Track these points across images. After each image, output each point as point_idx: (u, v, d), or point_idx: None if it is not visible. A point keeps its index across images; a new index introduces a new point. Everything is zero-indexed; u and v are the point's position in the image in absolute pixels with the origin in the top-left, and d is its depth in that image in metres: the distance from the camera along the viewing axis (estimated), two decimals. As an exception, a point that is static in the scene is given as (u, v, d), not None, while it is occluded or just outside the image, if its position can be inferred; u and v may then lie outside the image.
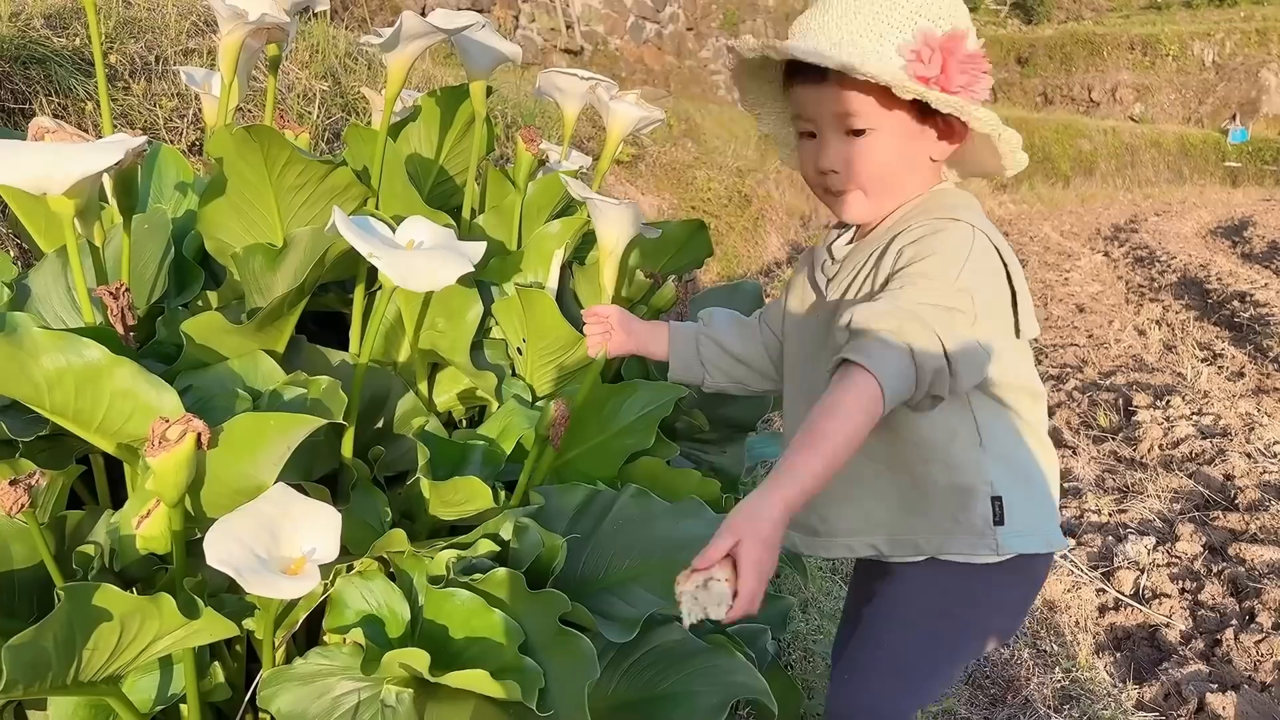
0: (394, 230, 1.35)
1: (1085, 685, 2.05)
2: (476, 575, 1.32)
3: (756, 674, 1.37)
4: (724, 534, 0.96)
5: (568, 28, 10.48)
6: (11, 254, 1.95)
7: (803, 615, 2.05)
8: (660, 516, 1.57)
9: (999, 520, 1.17)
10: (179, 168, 1.76)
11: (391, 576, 1.50)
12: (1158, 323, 6.15)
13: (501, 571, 1.32)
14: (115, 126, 2.36)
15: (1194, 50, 23.57)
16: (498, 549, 1.43)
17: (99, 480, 1.53)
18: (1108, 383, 4.62)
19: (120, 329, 1.31)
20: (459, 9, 9.76)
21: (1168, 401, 4.19)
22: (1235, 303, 6.41)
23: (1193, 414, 4.05)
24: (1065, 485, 3.38)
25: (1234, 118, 21.98)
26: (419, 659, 1.22)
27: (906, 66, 1.15)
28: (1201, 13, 26.02)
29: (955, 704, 1.91)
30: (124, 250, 1.44)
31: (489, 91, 1.82)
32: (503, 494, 1.59)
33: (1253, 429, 3.78)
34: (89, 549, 1.36)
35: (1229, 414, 3.98)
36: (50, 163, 1.13)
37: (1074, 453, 3.71)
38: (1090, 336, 5.67)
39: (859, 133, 1.21)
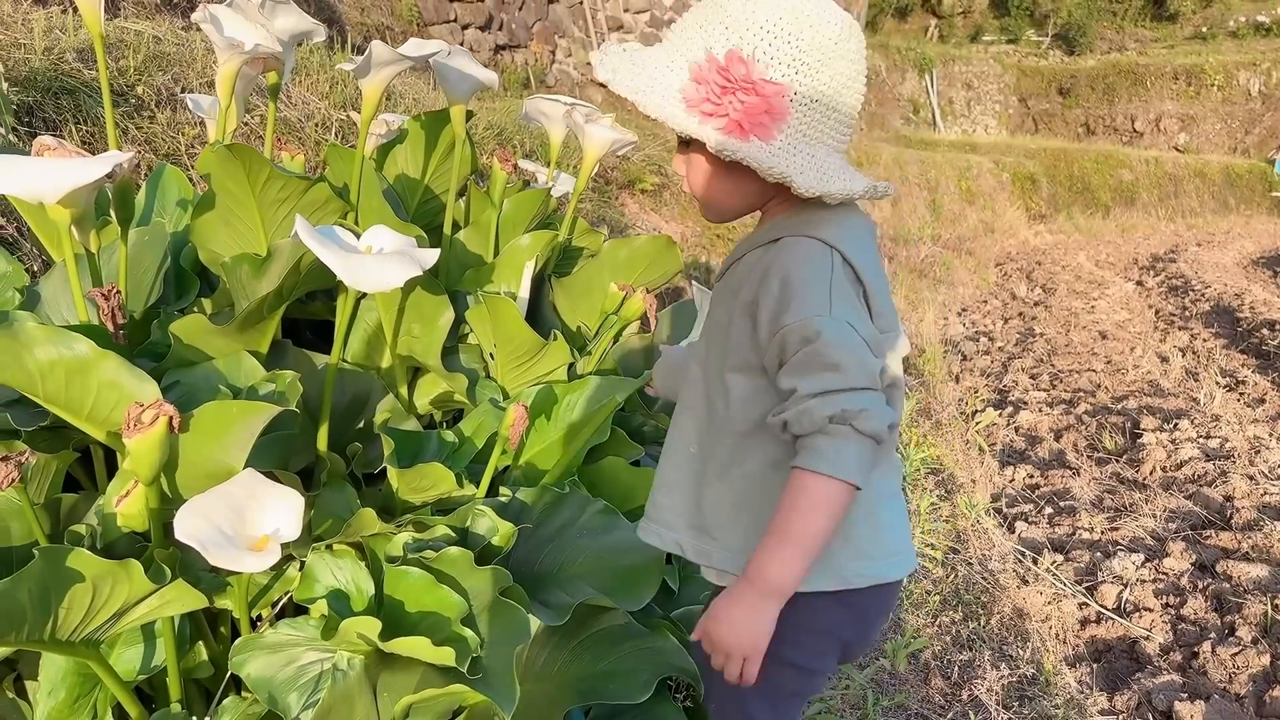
0: (358, 238, 1.47)
1: (1044, 689, 2.09)
2: (428, 552, 1.43)
3: (685, 655, 1.46)
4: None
5: (601, 62, 10.71)
6: (35, 267, 2.11)
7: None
8: (621, 528, 1.66)
9: None
10: (180, 186, 1.91)
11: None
12: (1183, 350, 6.11)
13: (454, 550, 1.43)
14: (134, 150, 2.53)
15: (1239, 80, 23.29)
16: (454, 535, 1.53)
17: (98, 470, 1.66)
18: (1119, 407, 4.62)
19: (110, 327, 1.44)
20: (495, 45, 10.02)
21: (1175, 425, 4.19)
22: (1264, 330, 6.35)
23: (1200, 437, 4.04)
24: (1060, 505, 3.41)
25: (1281, 148, 21.63)
26: (370, 626, 1.32)
27: (684, 93, 1.08)
28: (1247, 42, 25.71)
29: (907, 700, 1.97)
30: (121, 258, 1.58)
31: (469, 116, 1.95)
32: (471, 486, 1.70)
33: (1259, 452, 3.78)
34: (80, 529, 1.49)
35: (1236, 437, 3.98)
36: (44, 175, 1.28)
37: (1076, 474, 3.73)
38: (1109, 362, 5.66)
39: (687, 144, 1.17)
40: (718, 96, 1.06)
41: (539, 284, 2.05)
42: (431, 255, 1.48)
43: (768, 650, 1.15)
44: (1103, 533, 3.16)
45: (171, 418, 1.28)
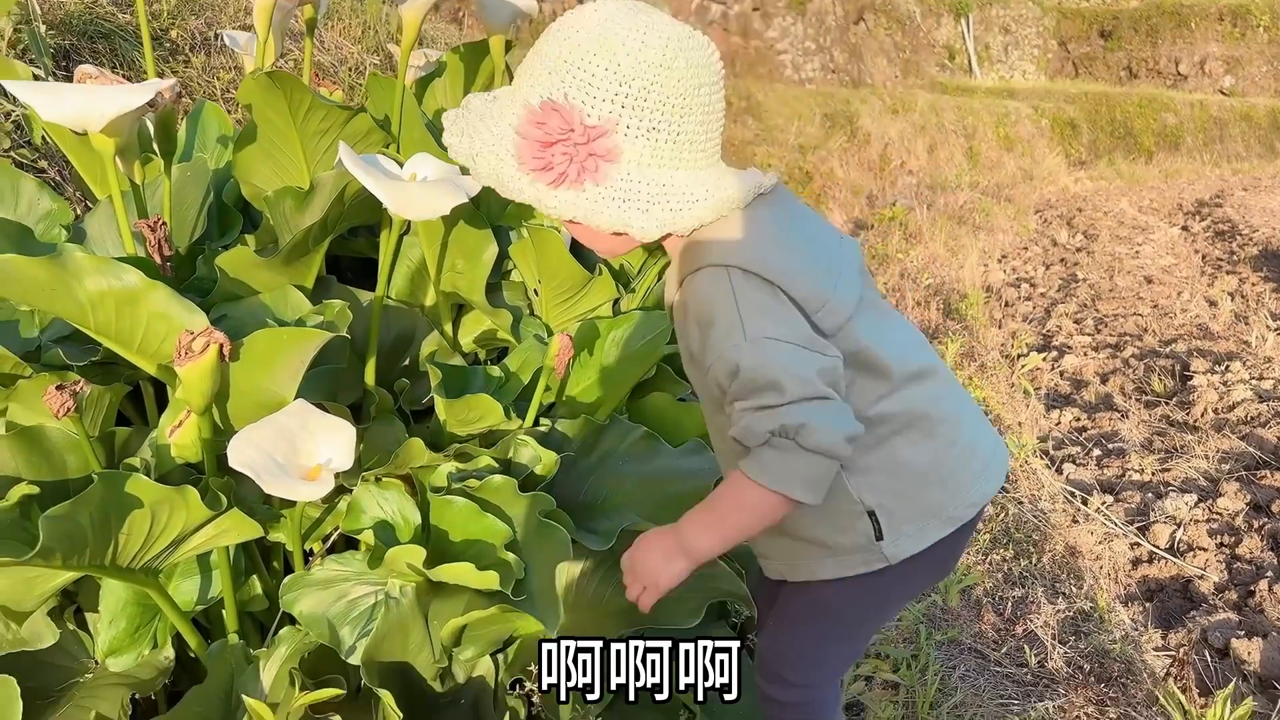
0: (401, 167, 1.45)
1: (1099, 625, 2.06)
2: (472, 481, 1.42)
3: (738, 580, 1.44)
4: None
5: (631, 10, 10.58)
6: (78, 211, 2.11)
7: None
8: (664, 454, 1.65)
9: (879, 535, 1.13)
10: (220, 122, 1.90)
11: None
12: (1232, 294, 5.96)
13: (497, 479, 1.42)
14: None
15: (1289, 19, 22.50)
16: (497, 465, 1.52)
17: (149, 406, 1.67)
18: (1167, 350, 4.52)
19: (157, 259, 1.44)
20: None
21: (1227, 367, 4.10)
22: (1316, 273, 6.19)
23: (1252, 379, 3.95)
24: (1109, 447, 3.35)
25: (1332, 88, 20.95)
26: (416, 555, 1.32)
27: (517, 151, 1.02)
28: (1298, -21, 24.79)
29: (960, 634, 1.95)
30: (165, 192, 1.57)
31: (508, 47, 1.91)
32: (518, 420, 1.69)
33: (1315, 393, 3.68)
34: (134, 461, 1.50)
35: (1291, 378, 3.88)
36: (88, 102, 1.26)
37: (1124, 416, 3.66)
38: (1155, 307, 5.54)
39: None
40: (541, 151, 1.01)
41: (581, 220, 2.02)
42: (476, 184, 1.45)
43: (863, 604, 1.19)
44: (1153, 474, 3.10)
45: (222, 345, 1.28)
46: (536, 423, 1.64)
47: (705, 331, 1.05)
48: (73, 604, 1.56)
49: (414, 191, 1.36)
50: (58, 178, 2.19)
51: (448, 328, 1.90)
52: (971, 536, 1.27)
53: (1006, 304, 5.74)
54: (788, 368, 1.00)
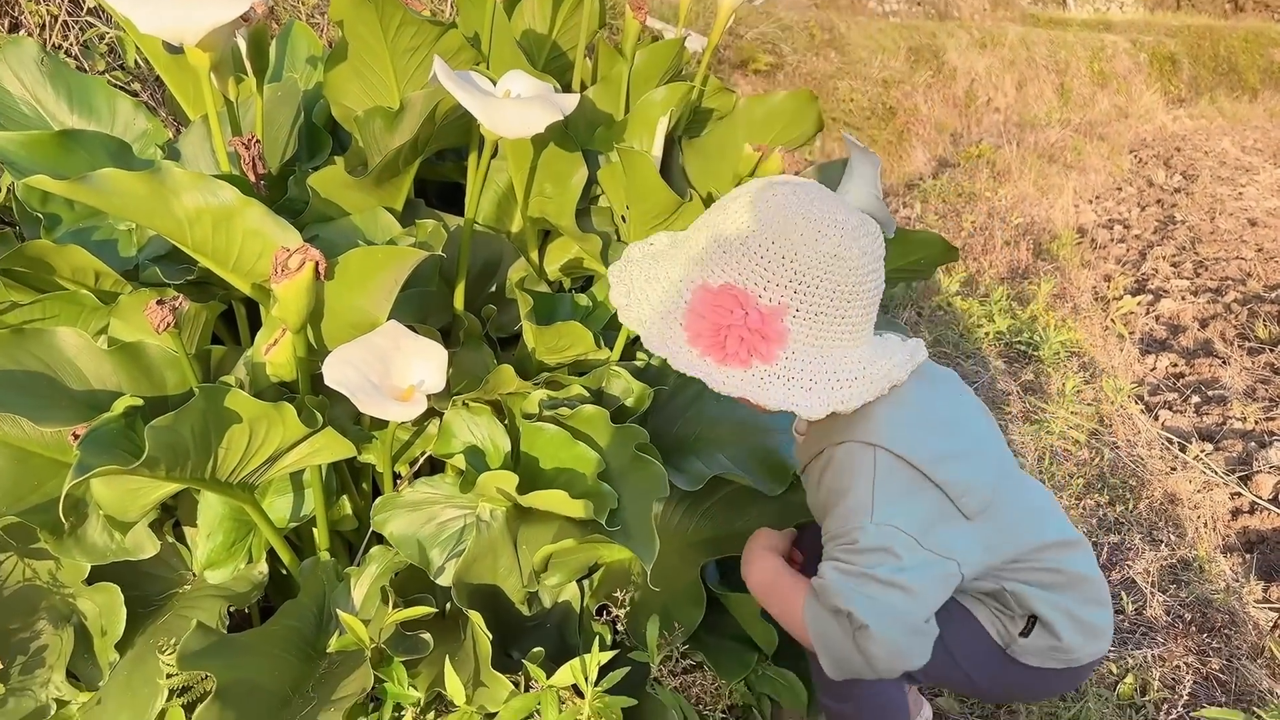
0: (494, 84, 1.41)
1: (1199, 575, 1.98)
2: (564, 410, 1.40)
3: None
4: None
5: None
6: (170, 133, 2.12)
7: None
8: None
9: (1025, 633, 1.19)
10: (310, 42, 1.88)
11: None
12: (1343, 238, 5.63)
13: (589, 408, 1.40)
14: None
15: None
16: (588, 395, 1.50)
17: (241, 326, 1.69)
18: (1273, 295, 4.30)
19: (251, 176, 1.43)
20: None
21: (1340, 314, 3.89)
22: None
23: (1367, 327, 3.74)
24: (1209, 394, 3.21)
25: None
26: (507, 480, 1.31)
27: (686, 324, 1.06)
28: None
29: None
30: (257, 110, 1.56)
31: (599, -36, 1.85)
32: (607, 350, 1.66)
33: None
34: (230, 379, 1.52)
35: None
36: (185, 13, 1.25)
37: (1224, 363, 3.50)
38: (1259, 250, 5.26)
39: None
40: (714, 331, 1.04)
41: (669, 146, 1.96)
42: (571, 100, 1.41)
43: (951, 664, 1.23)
44: (1257, 423, 2.97)
45: (318, 263, 1.27)
46: (630, 357, 1.61)
47: (837, 499, 1.11)
48: (172, 518, 1.60)
49: (508, 108, 1.32)
50: (150, 101, 2.20)
51: (534, 254, 1.88)
52: (1072, 689, 1.33)
53: (1099, 245, 5.51)
54: (895, 560, 1.06)
